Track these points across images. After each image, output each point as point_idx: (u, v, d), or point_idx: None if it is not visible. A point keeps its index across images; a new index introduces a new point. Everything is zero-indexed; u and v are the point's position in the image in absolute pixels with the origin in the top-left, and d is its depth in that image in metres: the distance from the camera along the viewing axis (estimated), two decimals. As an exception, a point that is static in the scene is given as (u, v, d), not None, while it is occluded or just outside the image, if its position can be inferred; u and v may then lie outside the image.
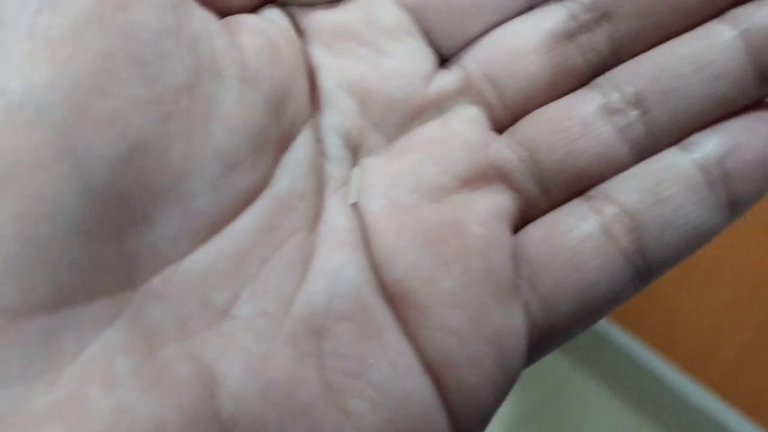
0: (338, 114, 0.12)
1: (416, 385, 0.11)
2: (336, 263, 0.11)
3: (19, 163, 0.08)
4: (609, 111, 0.12)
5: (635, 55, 0.12)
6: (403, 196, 0.12)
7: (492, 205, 0.12)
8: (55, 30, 0.09)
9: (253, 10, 0.12)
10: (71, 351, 0.09)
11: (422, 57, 0.13)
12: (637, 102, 0.12)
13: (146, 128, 0.09)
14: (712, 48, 0.12)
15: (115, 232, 0.09)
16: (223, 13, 0.11)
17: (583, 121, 0.12)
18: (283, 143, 0.11)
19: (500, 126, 0.13)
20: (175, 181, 0.10)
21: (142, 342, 0.09)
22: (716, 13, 0.12)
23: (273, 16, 0.12)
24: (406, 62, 0.12)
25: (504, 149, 0.12)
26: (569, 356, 0.70)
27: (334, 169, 0.12)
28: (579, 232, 0.12)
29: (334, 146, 0.12)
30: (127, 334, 0.09)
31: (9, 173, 0.08)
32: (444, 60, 0.13)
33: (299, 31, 0.12)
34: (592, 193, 0.12)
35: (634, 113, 0.12)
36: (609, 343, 0.71)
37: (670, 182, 0.12)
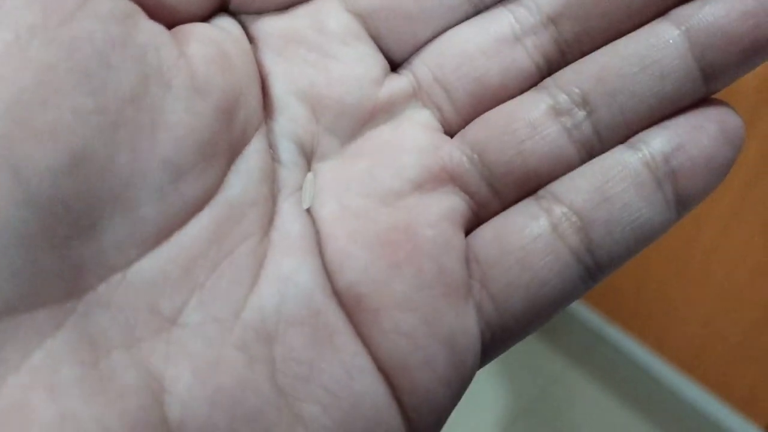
0: (290, 120, 0.12)
1: (369, 387, 0.11)
2: (288, 268, 0.11)
3: None
4: (556, 112, 0.12)
5: (583, 55, 0.12)
6: (356, 201, 0.12)
7: (443, 207, 0.12)
8: None
9: (205, 18, 0.12)
10: (14, 359, 0.09)
11: (372, 62, 0.13)
12: (584, 102, 0.12)
13: (90, 138, 0.09)
14: (656, 47, 0.12)
15: (59, 242, 0.09)
16: (174, 23, 0.11)
17: (530, 122, 0.12)
18: (234, 150, 0.11)
19: (452, 129, 0.13)
20: (121, 191, 0.10)
21: (88, 350, 0.09)
22: (660, 13, 0.12)
23: (224, 24, 0.12)
24: (355, 67, 0.13)
25: (454, 152, 0.12)
26: (563, 354, 0.70)
27: (288, 174, 0.12)
28: (529, 231, 0.12)
29: (287, 152, 0.12)
30: (71, 342, 0.09)
31: None
32: (394, 65, 0.13)
33: (250, 38, 0.12)
34: (541, 193, 0.12)
35: (580, 113, 0.12)
36: (602, 340, 0.71)
37: (617, 181, 0.12)
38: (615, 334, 0.70)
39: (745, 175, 0.50)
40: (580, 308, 0.73)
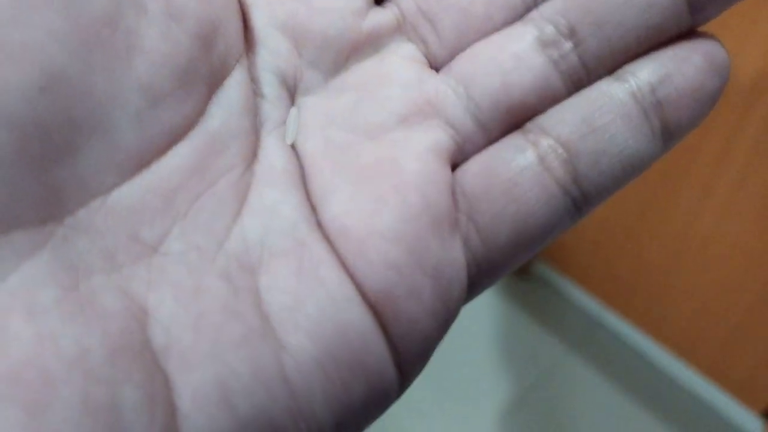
0: (272, 53, 0.12)
1: (355, 317, 0.11)
2: (271, 200, 0.11)
3: None
4: (543, 43, 0.12)
5: None
6: (340, 135, 0.12)
7: (429, 140, 0.12)
8: None
9: None
10: None
11: None
12: (570, 33, 0.12)
13: (65, 59, 0.09)
14: None
15: (36, 163, 0.09)
16: None
17: (516, 54, 0.12)
18: (214, 81, 0.11)
19: (437, 62, 0.13)
20: (98, 113, 0.10)
21: (67, 273, 0.09)
22: None
23: None
24: None
25: (440, 85, 0.12)
26: (561, 339, 0.70)
27: (270, 109, 0.12)
28: (515, 164, 0.12)
29: (270, 86, 0.12)
30: (50, 266, 0.09)
31: None
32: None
33: None
34: (528, 126, 0.12)
35: (567, 45, 0.12)
36: (600, 325, 0.71)
37: (603, 112, 0.12)
38: (612, 320, 0.70)
39: (741, 163, 0.50)
40: (577, 294, 0.73)
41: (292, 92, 0.12)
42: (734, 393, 0.61)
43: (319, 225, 0.11)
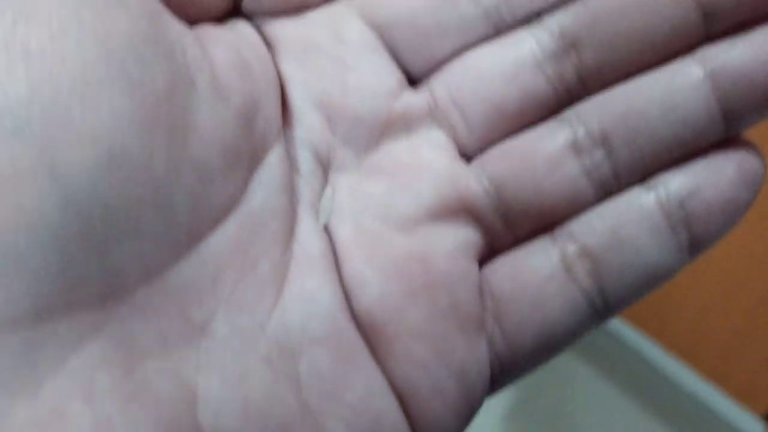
0: (307, 129, 0.12)
1: (388, 408, 0.11)
2: (311, 287, 0.11)
3: None
4: (576, 149, 0.12)
5: (603, 85, 0.12)
6: (372, 224, 0.12)
7: (459, 239, 0.12)
8: (32, 41, 0.09)
9: (219, 20, 0.12)
10: (52, 365, 0.09)
11: (388, 74, 0.13)
12: (604, 141, 0.12)
13: (128, 138, 0.09)
14: (680, 90, 0.12)
15: (99, 244, 0.09)
16: (190, 22, 0.11)
17: (550, 158, 0.12)
18: (255, 158, 0.11)
19: (467, 151, 0.13)
20: (158, 192, 0.10)
21: (124, 356, 0.09)
22: (685, 49, 0.12)
23: (241, 28, 0.12)
24: (371, 78, 0.12)
25: (472, 183, 0.12)
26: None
27: (305, 185, 0.12)
28: (543, 272, 0.12)
29: (305, 162, 0.12)
30: (108, 348, 0.09)
31: None
32: (412, 80, 0.13)
33: (267, 42, 0.12)
34: (557, 231, 0.12)
35: (599, 153, 0.12)
36: (601, 329, 0.71)
37: (631, 224, 0.12)
38: (614, 322, 0.71)
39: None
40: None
41: (325, 168, 0.12)
42: (736, 396, 0.61)
43: (353, 314, 0.11)
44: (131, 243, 0.09)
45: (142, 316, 0.10)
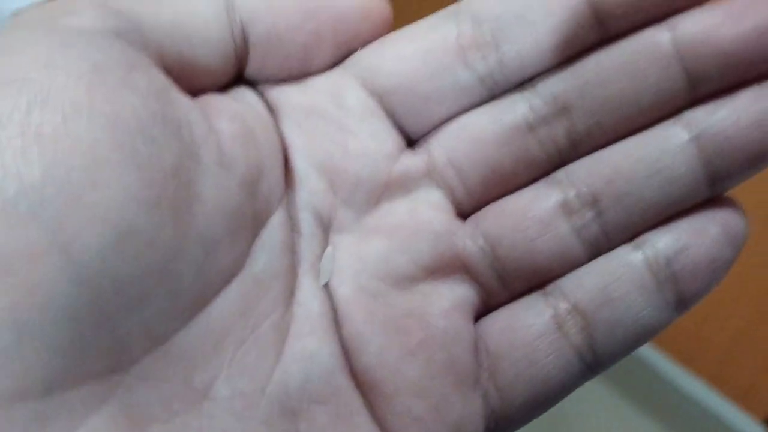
0: (310, 192, 0.12)
1: None
2: (311, 347, 0.12)
3: (13, 257, 0.09)
4: (567, 210, 0.12)
5: (593, 147, 0.13)
6: (372, 283, 0.12)
7: (455, 297, 0.12)
8: (45, 126, 0.09)
9: (224, 87, 0.12)
10: None
11: (387, 138, 0.13)
12: (593, 202, 0.12)
13: (137, 215, 0.10)
14: (666, 152, 0.12)
15: (108, 317, 0.09)
16: (196, 92, 0.12)
17: (542, 219, 0.12)
18: (258, 223, 0.12)
19: (463, 210, 0.13)
20: (165, 265, 0.10)
21: (129, 424, 0.10)
22: (672, 112, 0.12)
23: (245, 96, 0.12)
24: (371, 142, 0.13)
25: (468, 242, 0.13)
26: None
27: (306, 246, 0.12)
28: (536, 329, 0.12)
29: (307, 224, 0.12)
30: (114, 417, 0.10)
31: (4, 266, 0.09)
32: (410, 141, 0.13)
33: (269, 108, 0.13)
34: (549, 288, 0.13)
35: (589, 214, 0.12)
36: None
37: (621, 282, 0.12)
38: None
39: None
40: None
41: (326, 229, 0.13)
42: (736, 399, 0.62)
43: (353, 373, 0.12)
44: (138, 314, 0.10)
45: (147, 383, 0.10)
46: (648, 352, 0.68)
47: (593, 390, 0.68)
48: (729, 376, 0.61)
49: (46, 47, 0.10)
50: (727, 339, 0.59)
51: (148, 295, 0.10)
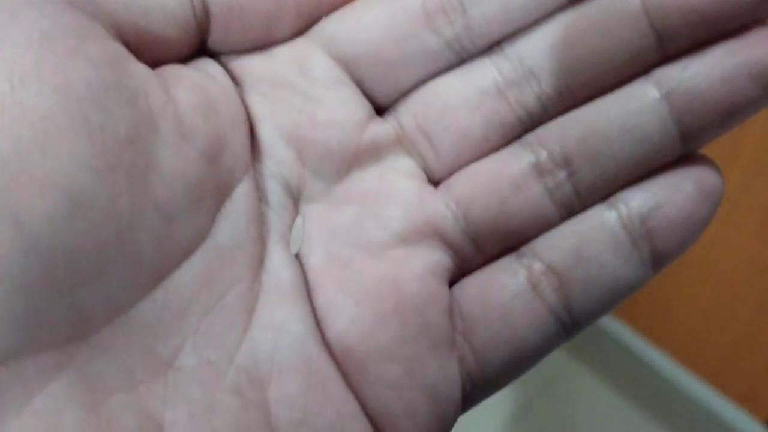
0: (277, 162, 0.12)
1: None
2: (280, 315, 0.12)
3: None
4: (539, 171, 0.12)
5: (564, 109, 0.13)
6: (343, 251, 0.12)
7: (428, 261, 0.12)
8: None
9: (185, 58, 0.12)
10: (17, 403, 0.09)
11: (355, 106, 0.13)
12: (565, 163, 0.12)
13: (91, 184, 0.09)
14: (637, 110, 0.12)
15: (63, 287, 0.09)
16: (156, 63, 0.11)
17: (514, 180, 0.12)
18: (221, 193, 0.12)
19: (434, 177, 0.13)
20: (122, 234, 0.10)
21: (89, 393, 0.10)
22: (643, 70, 0.12)
23: (207, 66, 0.12)
24: (338, 111, 0.13)
25: (439, 207, 0.13)
26: (564, 348, 0.71)
27: (275, 217, 0.12)
28: (510, 290, 0.12)
29: (275, 194, 0.12)
30: (73, 386, 0.10)
31: None
32: (379, 109, 0.13)
33: (234, 79, 0.13)
34: (523, 250, 0.13)
35: (562, 174, 0.12)
36: (604, 334, 0.72)
37: (595, 241, 0.12)
38: (616, 327, 0.71)
39: (744, 170, 0.50)
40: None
41: (296, 200, 0.13)
42: (738, 401, 0.61)
43: (324, 341, 0.12)
44: (96, 285, 0.10)
45: (107, 353, 0.10)
46: (651, 353, 0.68)
47: (596, 391, 0.67)
48: (731, 378, 0.60)
49: None
50: (729, 341, 0.58)
51: (105, 266, 0.10)
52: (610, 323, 0.71)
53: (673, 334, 0.62)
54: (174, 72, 0.12)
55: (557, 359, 0.70)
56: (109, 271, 0.10)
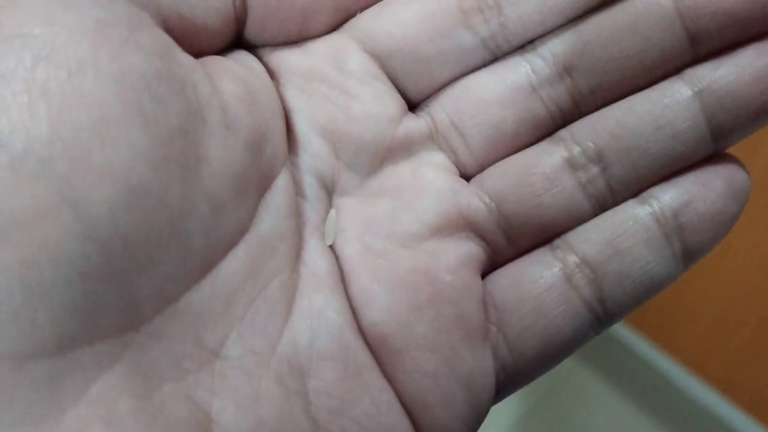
0: (312, 155, 0.13)
1: (396, 422, 0.12)
2: (318, 304, 0.12)
3: (22, 213, 0.09)
4: (572, 166, 0.13)
5: (597, 107, 0.13)
6: (377, 242, 0.12)
7: (461, 253, 0.13)
8: (51, 82, 0.09)
9: (222, 50, 0.12)
10: (74, 393, 0.09)
11: (389, 101, 0.13)
12: (599, 158, 0.12)
13: (146, 173, 0.10)
14: (670, 107, 0.12)
15: (119, 275, 0.09)
16: (195, 54, 0.12)
17: (547, 174, 0.13)
18: (263, 185, 0.12)
19: (467, 172, 0.13)
20: (174, 224, 0.10)
21: (142, 382, 0.10)
22: (674, 70, 0.12)
23: (246, 60, 0.13)
24: (373, 105, 0.13)
25: (473, 199, 0.13)
26: (573, 353, 0.71)
27: (311, 209, 0.13)
28: (544, 281, 0.12)
29: (310, 187, 0.13)
30: (127, 375, 0.10)
31: (13, 222, 0.09)
32: (412, 105, 0.14)
33: (270, 72, 0.13)
34: (556, 242, 0.13)
35: (595, 169, 0.13)
36: (611, 339, 0.72)
37: (628, 235, 0.12)
38: (624, 332, 0.71)
39: (757, 175, 0.50)
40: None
41: (330, 193, 0.13)
42: (746, 407, 0.61)
43: (360, 330, 0.12)
44: (149, 274, 0.10)
45: (159, 342, 0.10)
46: (659, 358, 0.68)
47: (604, 397, 0.67)
48: (740, 385, 0.60)
49: (44, 3, 0.10)
50: (737, 346, 0.58)
51: (158, 255, 0.10)
52: (618, 328, 0.71)
53: (682, 340, 0.62)
54: (216, 63, 0.12)
55: (565, 364, 0.70)
56: (162, 259, 0.10)
